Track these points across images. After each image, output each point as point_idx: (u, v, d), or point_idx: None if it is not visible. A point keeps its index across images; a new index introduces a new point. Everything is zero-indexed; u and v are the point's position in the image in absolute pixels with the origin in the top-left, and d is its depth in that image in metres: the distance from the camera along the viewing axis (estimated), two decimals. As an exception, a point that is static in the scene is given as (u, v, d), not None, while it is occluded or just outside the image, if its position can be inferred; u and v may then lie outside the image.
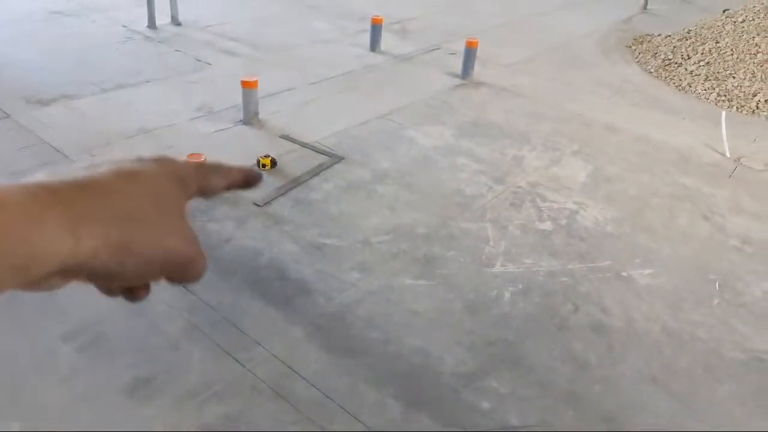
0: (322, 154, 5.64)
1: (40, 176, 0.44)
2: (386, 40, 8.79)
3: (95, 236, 0.42)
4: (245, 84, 5.83)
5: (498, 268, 4.32)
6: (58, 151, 5.18)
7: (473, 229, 4.73)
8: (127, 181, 0.47)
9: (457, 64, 8.11)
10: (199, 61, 7.51)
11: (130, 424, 2.97)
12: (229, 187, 0.57)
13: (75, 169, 0.46)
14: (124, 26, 8.41)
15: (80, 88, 6.42)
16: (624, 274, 4.42)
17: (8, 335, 3.35)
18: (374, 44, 8.53)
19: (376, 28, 8.44)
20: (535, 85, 7.96)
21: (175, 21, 8.69)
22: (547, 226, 4.89)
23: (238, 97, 6.26)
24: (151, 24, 8.42)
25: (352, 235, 4.51)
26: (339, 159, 5.58)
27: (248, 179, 0.59)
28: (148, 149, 5.38)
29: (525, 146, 6.19)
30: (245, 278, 3.96)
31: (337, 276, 4.05)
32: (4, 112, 5.74)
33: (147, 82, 6.74)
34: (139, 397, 3.11)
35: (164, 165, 0.51)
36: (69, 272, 0.43)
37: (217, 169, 0.56)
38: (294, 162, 5.43)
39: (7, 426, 2.90)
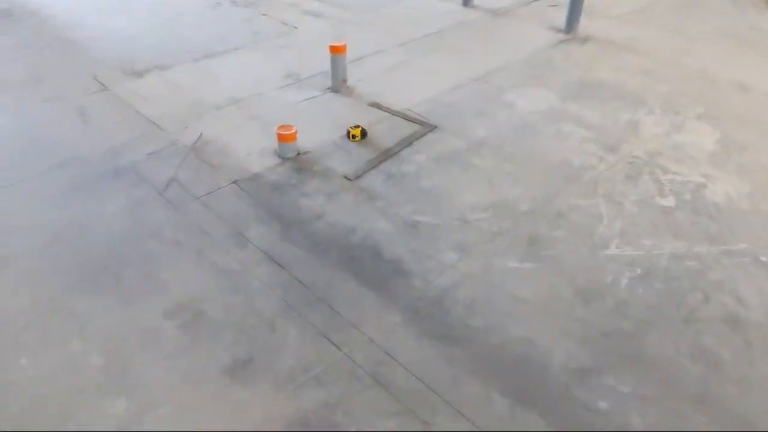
0: (414, 122, 5.42)
1: None
2: None
3: None
4: (333, 49, 5.68)
5: (613, 250, 3.98)
6: (154, 123, 5.31)
7: (583, 206, 4.37)
8: None
9: (560, 17, 7.52)
10: (286, 24, 7.44)
11: (228, 407, 3.02)
12: None
13: None
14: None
15: (173, 57, 6.55)
16: (763, 259, 3.93)
17: (115, 312, 3.49)
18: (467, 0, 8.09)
19: (469, -20, 7.98)
20: (650, 37, 7.23)
21: (260, -16, 8.68)
22: (670, 201, 4.43)
23: (325, 63, 6.13)
24: (237, -12, 8.47)
25: (448, 212, 4.30)
26: (432, 128, 5.34)
27: None
28: (238, 120, 5.40)
29: (641, 109, 5.64)
30: (339, 256, 3.89)
31: (434, 256, 3.89)
32: (103, 85, 5.97)
33: (235, 49, 6.77)
34: (239, 378, 3.15)
35: None
36: None
37: None
38: (385, 132, 5.25)
39: (114, 402, 3.02)
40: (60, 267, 3.79)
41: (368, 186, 4.57)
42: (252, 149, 4.99)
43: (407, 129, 5.32)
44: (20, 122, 5.33)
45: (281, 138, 4.82)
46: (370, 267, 3.82)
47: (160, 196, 4.42)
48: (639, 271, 3.82)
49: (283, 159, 4.87)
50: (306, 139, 5.02)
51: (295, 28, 7.35)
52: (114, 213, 4.25)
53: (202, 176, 4.65)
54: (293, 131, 4.82)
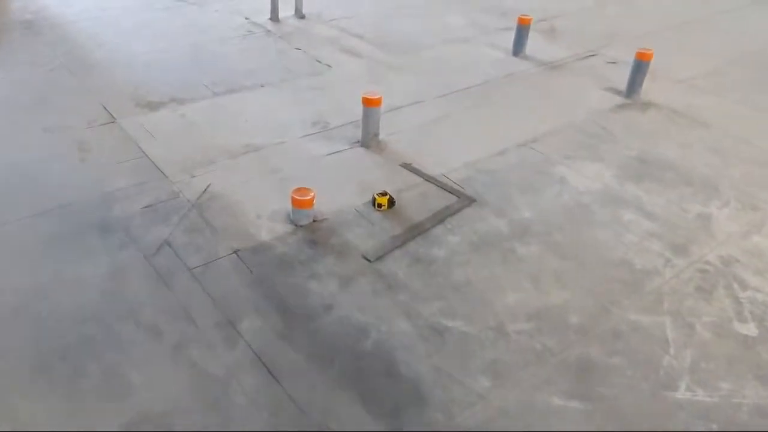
0: (450, 192, 4.79)
1: None
2: (532, 41, 7.68)
3: None
4: (367, 102, 5.10)
5: (682, 393, 3.24)
6: (158, 168, 4.78)
7: (646, 324, 3.65)
8: None
9: (618, 76, 6.85)
10: (319, 62, 6.92)
11: None
12: None
13: None
14: (246, 18, 8.05)
15: (192, 90, 6.06)
16: None
17: (62, 421, 2.87)
18: (518, 48, 7.46)
19: (522, 29, 7.36)
20: (721, 108, 6.50)
21: (299, 13, 8.19)
22: (751, 329, 3.68)
23: (357, 110, 5.56)
24: (274, 16, 7.98)
25: (483, 317, 3.63)
26: (470, 201, 4.69)
27: None
28: (254, 172, 4.84)
29: (712, 199, 4.90)
30: (344, 368, 3.24)
31: (462, 380, 3.21)
32: (111, 116, 5.49)
33: (261, 86, 6.25)
34: None
35: None
36: None
37: None
38: (415, 202, 4.63)
39: None
40: (11, 348, 3.21)
41: (390, 271, 3.93)
42: (263, 210, 4.40)
43: (441, 200, 4.68)
44: (13, 154, 4.86)
45: (296, 203, 4.22)
46: (381, 386, 3.16)
47: (148, 262, 3.85)
48: (714, 427, 3.08)
49: (297, 226, 4.28)
50: (325, 202, 4.42)
51: (329, 67, 6.82)
52: (91, 279, 3.68)
53: (201, 240, 4.07)
54: (310, 197, 4.22)
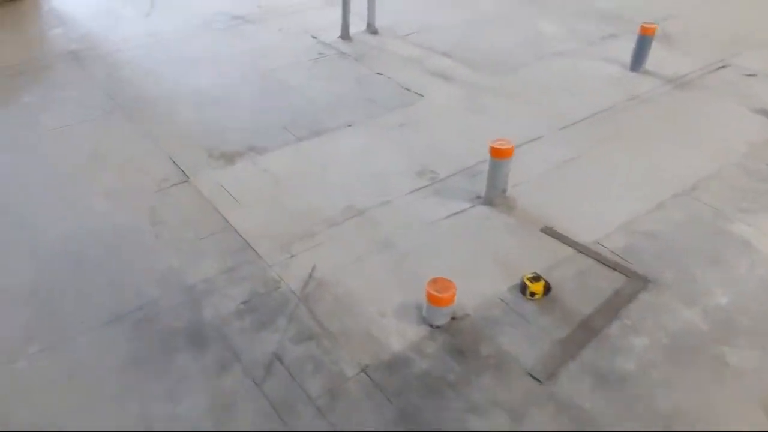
0: (614, 269, 3.88)
1: None
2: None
3: None
4: (496, 152, 4.21)
5: None
6: (248, 243, 3.99)
7: None
8: None
9: (765, 92, 5.83)
10: (407, 90, 6.05)
11: None
12: None
13: None
14: (313, 37, 7.23)
15: (270, 134, 5.23)
16: None
17: None
18: (638, 62, 6.46)
19: (644, 40, 6.35)
20: None
21: (371, 28, 7.33)
22: None
23: (466, 153, 4.74)
24: (345, 34, 7.14)
25: (718, 473, 2.73)
26: (643, 282, 3.77)
27: None
28: (362, 246, 4.00)
29: None
30: None
31: None
32: (183, 173, 4.72)
33: (348, 126, 5.41)
34: None
35: None
36: None
37: None
38: (573, 284, 3.73)
39: None
40: None
41: (571, 398, 3.05)
42: (386, 304, 3.56)
43: (606, 280, 3.78)
44: (70, 231, 4.10)
45: (434, 300, 3.36)
46: None
47: (259, 390, 3.05)
48: None
49: (432, 326, 3.43)
50: (460, 288, 3.56)
51: (420, 96, 5.94)
52: (188, 421, 2.90)
53: (318, 352, 3.25)
54: (451, 292, 3.36)
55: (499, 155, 4.22)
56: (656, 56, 6.61)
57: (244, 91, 5.98)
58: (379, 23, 7.41)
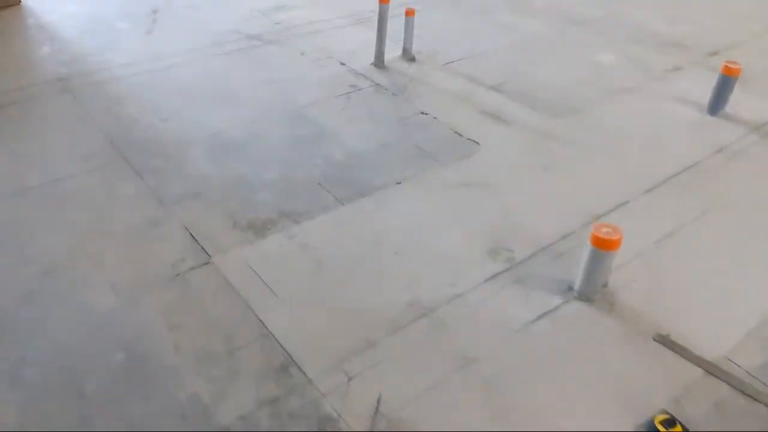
0: (755, 400, 3.12)
1: None
2: (709, 83, 6.01)
3: None
4: (599, 242, 3.40)
5: None
6: (293, 360, 3.17)
7: None
8: None
9: None
10: (459, 135, 5.25)
11: None
12: None
13: None
14: (342, 63, 6.40)
15: (306, 194, 4.37)
16: None
17: None
18: (718, 105, 5.71)
19: (726, 81, 5.59)
20: None
21: (408, 55, 6.51)
22: None
23: (539, 223, 3.99)
24: (379, 62, 6.31)
25: None
26: (802, 423, 3.04)
27: None
28: (436, 362, 3.21)
29: None
30: None
31: None
32: (204, 251, 3.89)
33: (398, 183, 4.61)
34: None
35: None
36: None
37: None
38: (712, 423, 2.97)
39: None
40: None
41: None
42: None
43: (750, 417, 3.02)
44: (65, 348, 3.25)
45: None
46: None
47: None
48: None
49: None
50: (570, 424, 2.79)
51: (476, 143, 5.15)
52: None
53: None
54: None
55: (604, 246, 3.43)
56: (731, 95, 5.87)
57: (270, 135, 5.13)
58: (415, 48, 6.60)
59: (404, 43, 6.48)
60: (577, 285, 3.64)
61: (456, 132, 5.27)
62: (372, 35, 6.91)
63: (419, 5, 7.94)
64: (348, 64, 6.39)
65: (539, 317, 3.52)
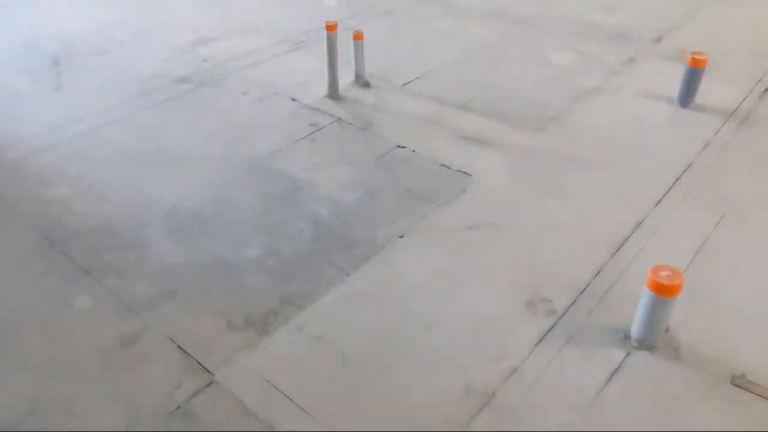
0: None
1: None
2: (669, 75, 5.95)
3: None
4: (658, 287, 3.02)
5: None
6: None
7: None
8: None
9: None
10: (447, 168, 4.80)
11: None
12: None
13: None
14: (293, 99, 5.76)
15: (303, 269, 3.73)
16: None
17: None
18: (689, 97, 5.60)
19: (695, 73, 5.48)
20: None
21: (362, 81, 5.97)
22: None
23: (564, 260, 3.65)
24: (333, 92, 5.73)
25: None
26: None
27: None
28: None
29: None
30: None
31: None
32: (203, 368, 3.18)
33: (400, 237, 4.09)
34: None
35: None
36: None
37: None
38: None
39: None
40: None
41: None
42: None
43: None
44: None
45: None
46: None
47: None
48: None
49: None
50: None
51: (467, 175, 4.71)
52: None
53: None
54: None
55: (665, 292, 3.09)
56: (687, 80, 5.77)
57: (238, 200, 4.43)
58: (367, 70, 6.06)
59: (356, 69, 5.93)
60: (635, 333, 3.29)
61: (442, 165, 4.81)
62: (314, 61, 6.35)
63: (353, 20, 7.44)
64: (299, 99, 5.76)
65: (609, 378, 3.13)
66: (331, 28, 5.40)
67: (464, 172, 4.73)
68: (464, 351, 3.29)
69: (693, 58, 5.44)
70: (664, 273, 3.10)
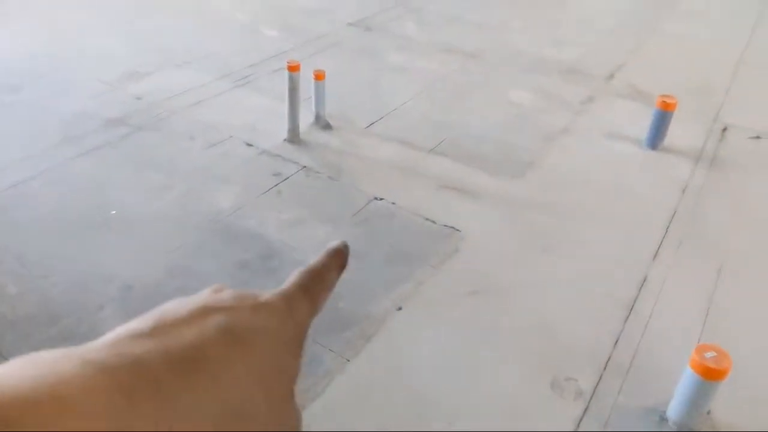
0: None
1: (129, 327, 0.33)
2: (624, 113, 6.02)
3: None
4: (708, 372, 2.77)
5: None
6: None
7: None
8: (239, 352, 0.36)
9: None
10: (432, 222, 4.43)
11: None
12: (333, 286, 0.48)
13: (181, 315, 0.35)
14: (249, 145, 5.19)
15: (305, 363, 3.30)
16: None
17: None
18: (657, 140, 5.59)
19: (664, 116, 5.47)
20: None
21: (322, 122, 5.52)
22: None
23: (579, 329, 3.39)
24: (294, 136, 5.23)
25: None
26: None
27: (343, 260, 0.51)
28: None
29: None
30: None
31: None
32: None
33: (398, 309, 3.63)
34: None
35: (285, 313, 0.41)
36: None
37: (317, 278, 0.47)
38: None
39: None
40: None
41: None
42: None
43: None
44: None
45: None
46: None
47: None
48: None
49: None
50: None
51: (456, 230, 4.36)
52: None
53: None
54: None
55: (712, 376, 2.87)
56: (645, 122, 5.79)
57: (204, 269, 3.76)
58: (327, 110, 5.62)
59: (316, 110, 5.47)
60: (674, 415, 3.05)
61: (427, 219, 4.45)
62: (264, 100, 5.88)
63: (298, 53, 6.98)
64: (256, 144, 5.21)
65: (660, 476, 2.87)
66: (293, 68, 4.91)
67: (452, 227, 4.38)
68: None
69: (663, 101, 5.45)
70: (709, 354, 2.89)
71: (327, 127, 5.53)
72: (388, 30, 8.01)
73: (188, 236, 4.11)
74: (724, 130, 6.09)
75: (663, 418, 3.11)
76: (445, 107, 6.16)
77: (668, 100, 5.44)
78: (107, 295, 3.56)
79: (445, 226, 4.40)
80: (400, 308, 3.65)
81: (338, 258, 0.50)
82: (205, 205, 4.42)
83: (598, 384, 3.27)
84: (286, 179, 4.78)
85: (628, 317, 3.71)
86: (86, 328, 3.36)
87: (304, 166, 4.95)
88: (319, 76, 5.27)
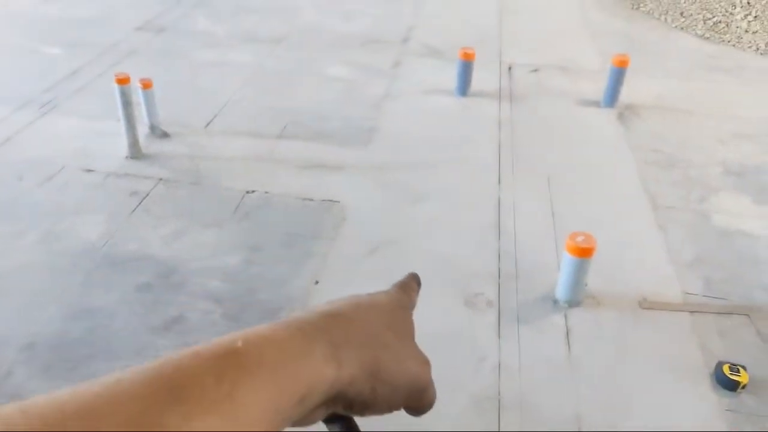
0: (717, 314, 3.85)
1: (296, 313, 0.49)
2: (434, 70, 6.84)
3: (352, 362, 0.48)
4: (583, 251, 3.57)
5: None
6: None
7: None
8: (366, 311, 0.54)
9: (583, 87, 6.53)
10: (311, 200, 4.64)
11: None
12: (417, 290, 0.67)
13: (318, 305, 0.52)
14: (89, 170, 4.82)
15: None
16: None
17: None
18: (465, 87, 6.43)
19: (467, 66, 6.31)
20: None
21: (158, 131, 5.32)
22: None
23: (459, 251, 4.01)
24: (135, 151, 4.98)
25: None
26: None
27: (418, 278, 0.68)
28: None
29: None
30: None
31: None
32: None
33: (315, 283, 3.84)
34: None
35: (392, 295, 0.60)
36: (330, 402, 0.47)
37: (406, 284, 0.65)
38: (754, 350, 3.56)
39: None
40: None
41: None
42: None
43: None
44: None
45: None
46: None
47: None
48: None
49: None
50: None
51: (336, 202, 4.63)
52: None
53: None
54: None
55: (584, 254, 3.62)
56: (450, 73, 6.61)
57: (109, 308, 3.57)
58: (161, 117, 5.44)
59: (150, 120, 5.28)
60: (562, 295, 3.79)
61: (305, 198, 4.67)
62: (79, 121, 5.61)
63: (95, 67, 6.56)
64: (95, 168, 4.89)
65: (569, 345, 3.58)
66: (123, 81, 4.70)
67: (330, 200, 4.70)
68: (449, 368, 3.37)
69: (465, 53, 6.29)
70: (580, 238, 3.66)
71: (164, 135, 5.39)
72: (182, 28, 7.83)
73: (68, 277, 3.84)
74: (510, 69, 7.21)
75: (555, 301, 3.85)
76: (274, 94, 6.34)
77: (468, 51, 6.30)
78: (9, 360, 3.25)
79: (323, 200, 4.70)
80: (317, 282, 3.91)
81: (414, 276, 0.68)
82: (71, 242, 4.13)
83: (499, 291, 3.91)
84: (147, 196, 4.62)
85: (499, 235, 4.41)
86: (2, 398, 3.06)
87: (161, 179, 4.83)
88: (146, 85, 5.11)
